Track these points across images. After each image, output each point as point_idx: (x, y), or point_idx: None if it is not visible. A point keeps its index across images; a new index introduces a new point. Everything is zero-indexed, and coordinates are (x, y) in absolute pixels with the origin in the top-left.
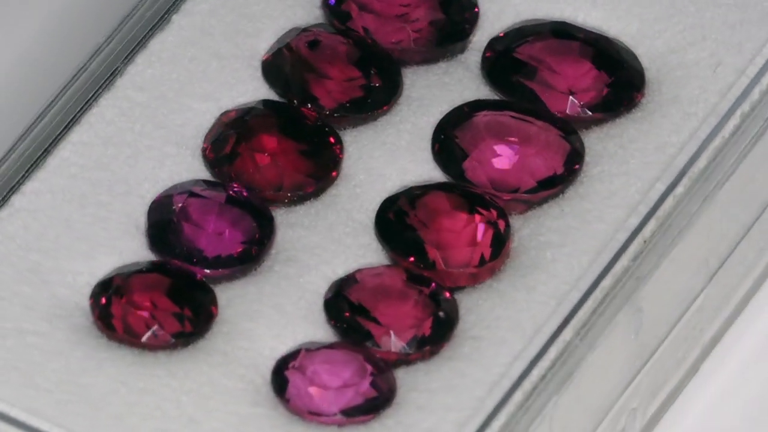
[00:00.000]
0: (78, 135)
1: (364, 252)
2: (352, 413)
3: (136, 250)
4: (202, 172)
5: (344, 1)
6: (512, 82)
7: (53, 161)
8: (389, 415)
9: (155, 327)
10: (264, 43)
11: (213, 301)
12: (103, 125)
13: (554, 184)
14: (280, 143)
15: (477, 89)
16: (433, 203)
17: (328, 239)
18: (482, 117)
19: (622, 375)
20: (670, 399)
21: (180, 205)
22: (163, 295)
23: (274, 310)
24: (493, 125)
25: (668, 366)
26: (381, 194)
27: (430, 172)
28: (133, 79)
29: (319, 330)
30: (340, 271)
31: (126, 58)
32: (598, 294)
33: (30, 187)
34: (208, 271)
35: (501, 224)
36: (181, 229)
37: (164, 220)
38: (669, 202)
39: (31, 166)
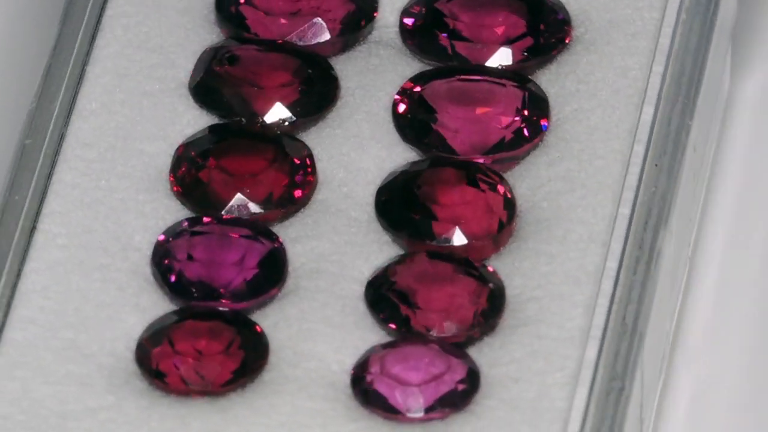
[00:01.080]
0: (50, 206)
1: (380, 246)
2: (448, 403)
3: (157, 302)
4: (183, 211)
5: (237, 6)
6: (442, 46)
7: (39, 236)
8: (487, 395)
9: (213, 370)
10: (183, 72)
11: (260, 332)
12: (68, 190)
13: (534, 134)
14: (249, 162)
15: (408, 64)
16: (432, 181)
17: (339, 243)
18: (436, 87)
19: None
20: None
21: (184, 246)
22: (208, 339)
23: (324, 324)
24: (451, 92)
25: None
26: (368, 187)
27: (404, 154)
28: (77, 138)
29: (374, 333)
30: (366, 270)
31: (65, 119)
32: (628, 223)
33: (28, 267)
34: (241, 303)
35: (505, 186)
36: (194, 269)
37: (171, 266)
38: (661, 118)
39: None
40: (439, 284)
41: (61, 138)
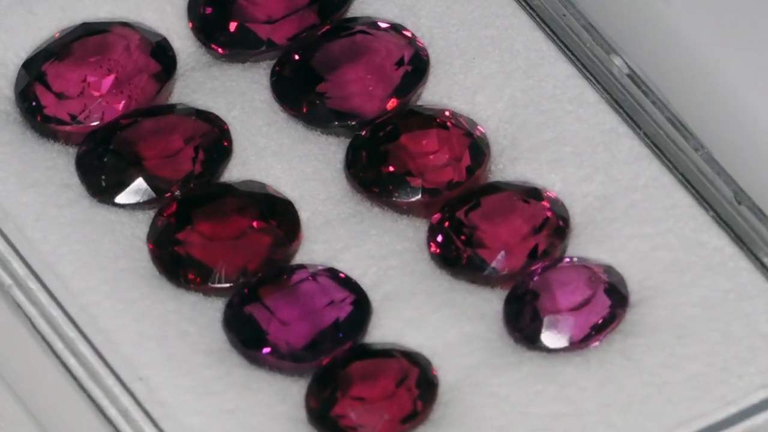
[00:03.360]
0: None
1: (396, 221)
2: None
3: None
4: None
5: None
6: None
7: None
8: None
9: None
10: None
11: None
12: None
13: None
14: (219, 226)
15: (254, 80)
16: (404, 141)
17: (367, 235)
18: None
19: None
20: None
21: (264, 309)
22: (369, 382)
23: (449, 306)
24: (335, 56)
25: None
26: (333, 186)
27: (334, 147)
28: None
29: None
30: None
31: None
32: None
33: None
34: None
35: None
36: (283, 323)
37: (259, 336)
38: None
39: None
40: (505, 217)
41: None
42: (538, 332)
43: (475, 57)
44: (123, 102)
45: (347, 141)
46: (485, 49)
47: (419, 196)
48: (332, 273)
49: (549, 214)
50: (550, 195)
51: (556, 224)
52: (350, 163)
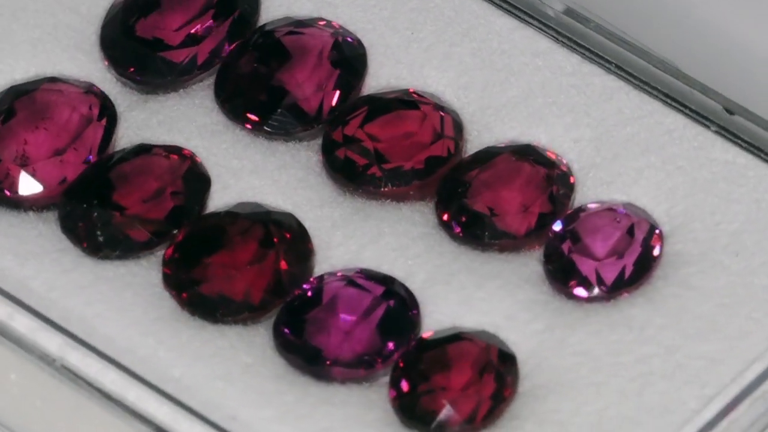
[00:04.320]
0: None
1: (399, 209)
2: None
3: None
4: None
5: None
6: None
7: None
8: None
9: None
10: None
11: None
12: None
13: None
14: (230, 255)
15: (197, 104)
16: (377, 130)
17: (378, 229)
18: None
19: None
20: None
21: (313, 325)
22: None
23: (491, 279)
24: (272, 63)
25: None
26: (322, 190)
27: (304, 151)
28: None
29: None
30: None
31: None
32: None
33: None
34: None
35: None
36: (338, 333)
37: (319, 352)
38: None
39: None
40: (508, 184)
41: None
42: (587, 284)
43: (411, 32)
44: (80, 157)
45: (314, 143)
46: (417, 22)
47: (414, 181)
48: (366, 273)
49: (552, 166)
50: (544, 148)
51: (561, 174)
52: (332, 166)
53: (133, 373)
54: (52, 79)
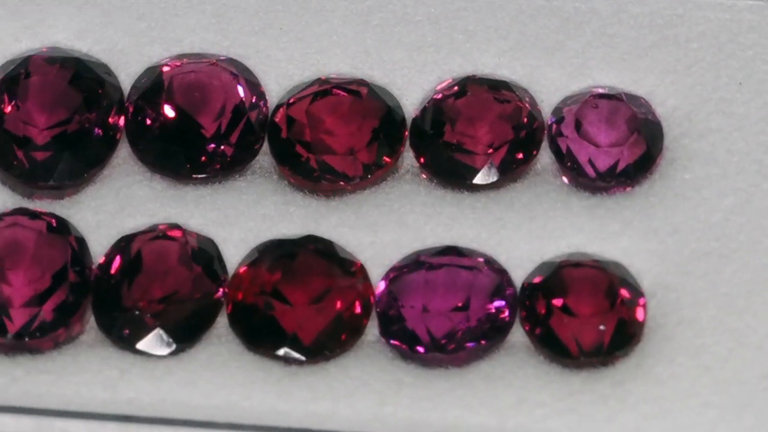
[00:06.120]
0: None
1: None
2: None
3: None
4: None
5: None
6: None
7: None
8: None
9: None
10: None
11: None
12: None
13: None
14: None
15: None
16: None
17: (400, 215)
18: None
19: None
20: None
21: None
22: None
23: (541, 215)
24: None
25: None
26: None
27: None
28: None
29: None
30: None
31: None
32: None
33: None
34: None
35: None
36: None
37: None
38: None
39: None
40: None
41: None
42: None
43: (281, 27)
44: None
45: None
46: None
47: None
48: (450, 249)
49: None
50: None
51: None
52: (298, 172)
53: None
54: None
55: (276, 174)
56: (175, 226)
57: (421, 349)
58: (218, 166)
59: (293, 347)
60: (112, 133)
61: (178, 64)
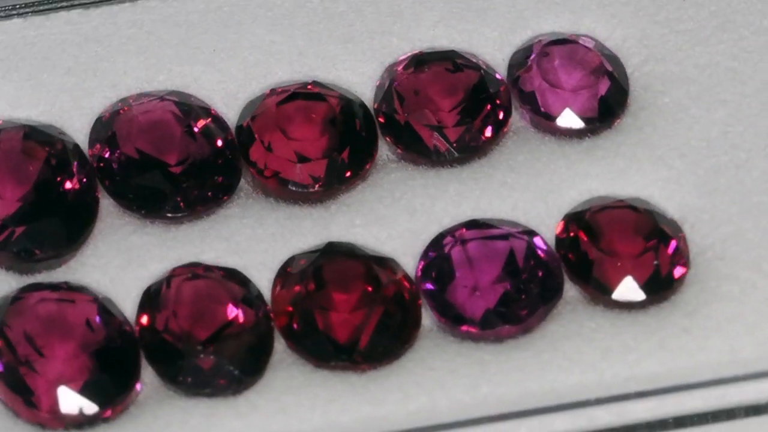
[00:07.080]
0: None
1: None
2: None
3: None
4: None
5: None
6: None
7: None
8: None
9: None
10: None
11: None
12: None
13: None
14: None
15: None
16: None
17: (411, 205)
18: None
19: None
20: None
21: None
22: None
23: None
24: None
25: None
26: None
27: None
28: None
29: None
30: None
31: None
32: None
33: None
34: None
35: None
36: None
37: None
38: None
39: None
40: None
41: None
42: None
43: (214, 49)
44: None
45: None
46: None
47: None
48: (473, 223)
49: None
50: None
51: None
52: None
53: None
54: None
55: (262, 192)
56: (196, 264)
57: (489, 326)
58: (210, 194)
59: (354, 354)
60: (90, 191)
61: (126, 108)
